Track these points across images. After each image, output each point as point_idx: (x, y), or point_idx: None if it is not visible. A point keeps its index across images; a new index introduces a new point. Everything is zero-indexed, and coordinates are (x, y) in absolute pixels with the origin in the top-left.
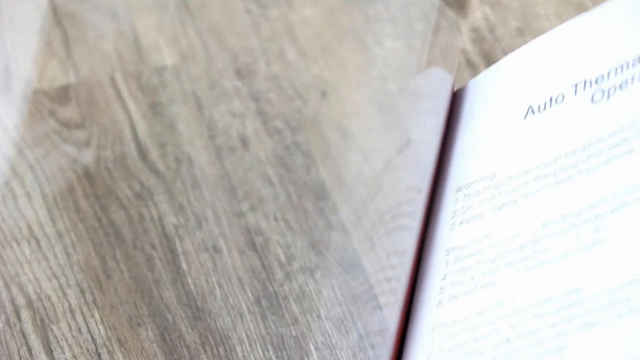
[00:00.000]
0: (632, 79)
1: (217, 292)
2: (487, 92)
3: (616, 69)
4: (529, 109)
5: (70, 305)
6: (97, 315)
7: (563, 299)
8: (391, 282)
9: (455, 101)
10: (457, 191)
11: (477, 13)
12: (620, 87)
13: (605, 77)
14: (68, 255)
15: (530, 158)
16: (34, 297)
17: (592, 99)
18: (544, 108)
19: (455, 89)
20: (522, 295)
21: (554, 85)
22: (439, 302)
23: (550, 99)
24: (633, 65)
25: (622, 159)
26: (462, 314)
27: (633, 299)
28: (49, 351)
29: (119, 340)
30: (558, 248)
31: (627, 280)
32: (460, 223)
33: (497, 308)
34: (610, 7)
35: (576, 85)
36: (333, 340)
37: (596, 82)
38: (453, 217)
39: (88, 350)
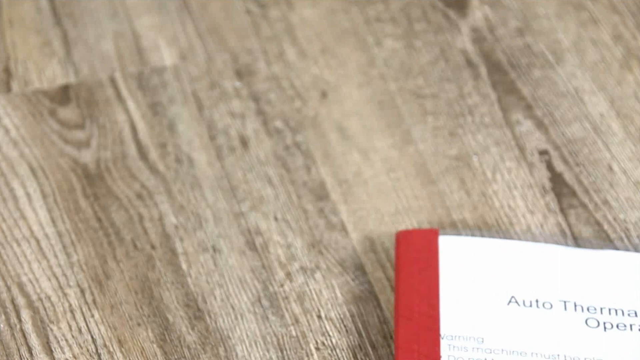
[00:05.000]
0: (631, 326)
1: (217, 292)
2: (464, 256)
3: (609, 310)
4: (511, 298)
5: (70, 305)
6: (97, 315)
7: None
8: (391, 280)
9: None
10: (441, 337)
11: (477, 13)
12: (618, 327)
13: (598, 311)
14: (68, 255)
15: (521, 341)
16: (34, 297)
17: (586, 322)
18: (530, 305)
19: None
20: None
21: (541, 290)
22: None
23: (537, 301)
24: (629, 314)
25: None
26: None
27: None
28: (49, 351)
29: (119, 340)
30: None
31: None
32: None
33: None
34: (620, 256)
35: (565, 303)
36: (333, 340)
37: (588, 310)
38: None
39: (88, 350)
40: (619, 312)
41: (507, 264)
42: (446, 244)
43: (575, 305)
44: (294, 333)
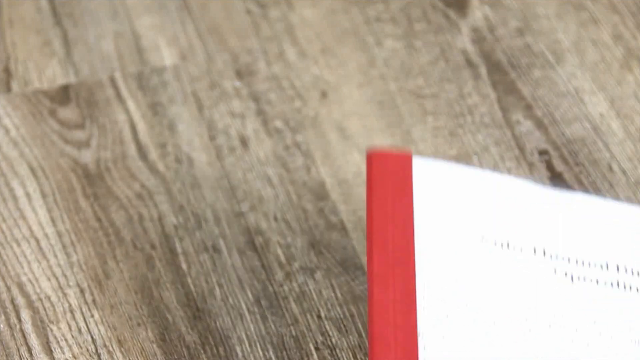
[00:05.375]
0: (599, 280)
1: (217, 292)
2: (438, 183)
3: (580, 260)
4: (483, 236)
5: (70, 305)
6: (97, 315)
7: None
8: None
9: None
10: (416, 273)
11: (477, 13)
12: (585, 279)
13: (567, 260)
14: (68, 255)
15: (492, 284)
16: (34, 297)
17: (555, 271)
18: (500, 246)
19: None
20: None
21: (513, 230)
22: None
23: (508, 243)
24: (600, 267)
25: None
26: None
27: None
28: (49, 351)
29: (119, 340)
30: None
31: None
32: (424, 308)
33: None
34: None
35: (535, 248)
36: (333, 340)
37: (557, 258)
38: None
39: (88, 350)
40: (590, 264)
41: (481, 197)
42: (420, 167)
43: (544, 252)
44: (293, 333)
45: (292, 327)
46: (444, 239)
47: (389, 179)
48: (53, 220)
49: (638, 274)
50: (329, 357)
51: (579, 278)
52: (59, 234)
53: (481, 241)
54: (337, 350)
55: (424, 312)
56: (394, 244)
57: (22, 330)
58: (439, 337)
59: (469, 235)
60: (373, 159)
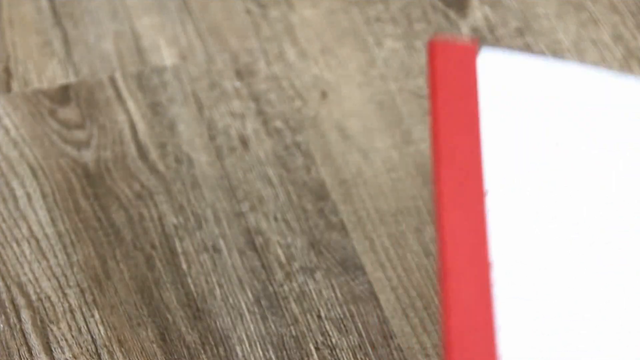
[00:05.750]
0: None
1: (217, 292)
2: (507, 82)
3: None
4: (557, 143)
5: (70, 305)
6: (97, 315)
7: None
8: (391, 280)
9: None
10: (486, 193)
11: (477, 13)
12: None
13: None
14: (68, 255)
15: (580, 204)
16: (34, 297)
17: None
18: (576, 160)
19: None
20: None
21: (591, 136)
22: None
23: (585, 149)
24: None
25: None
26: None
27: None
28: (49, 351)
29: (119, 340)
30: None
31: None
32: (497, 238)
33: None
34: None
35: (620, 156)
36: (333, 340)
37: None
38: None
39: (88, 350)
40: None
41: (555, 95)
42: (486, 61)
43: (625, 158)
44: (293, 333)
45: (292, 327)
46: (514, 148)
47: (453, 74)
48: (53, 220)
49: None
50: (329, 357)
51: None
52: (59, 234)
53: (556, 149)
54: (337, 350)
55: (497, 241)
56: (462, 156)
57: (22, 330)
58: (513, 266)
59: (542, 142)
60: (436, 48)
